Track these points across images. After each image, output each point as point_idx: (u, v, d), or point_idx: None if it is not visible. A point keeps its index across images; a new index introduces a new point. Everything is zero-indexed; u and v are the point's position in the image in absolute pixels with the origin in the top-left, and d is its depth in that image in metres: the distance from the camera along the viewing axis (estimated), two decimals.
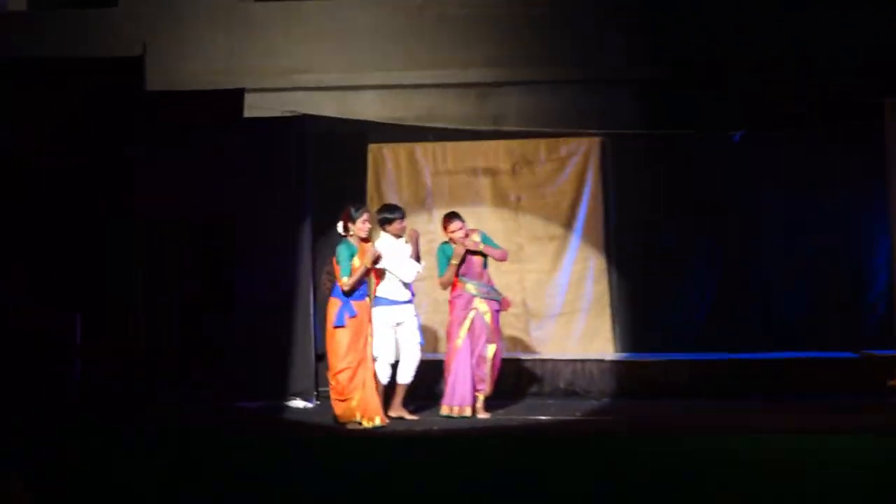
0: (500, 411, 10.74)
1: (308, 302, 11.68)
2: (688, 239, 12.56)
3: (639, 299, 12.54)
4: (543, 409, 10.94)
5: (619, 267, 12.65)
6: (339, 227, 10.03)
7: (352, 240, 10.03)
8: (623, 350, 12.58)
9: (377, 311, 10.23)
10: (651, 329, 12.47)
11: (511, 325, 12.52)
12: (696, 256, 12.55)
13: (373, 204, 12.35)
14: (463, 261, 10.30)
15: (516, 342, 12.66)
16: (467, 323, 10.34)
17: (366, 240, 10.05)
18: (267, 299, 11.49)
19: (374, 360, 10.22)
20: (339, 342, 9.97)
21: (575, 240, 12.71)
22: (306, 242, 11.69)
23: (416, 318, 10.40)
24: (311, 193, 11.72)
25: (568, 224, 12.67)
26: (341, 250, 9.93)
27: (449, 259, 10.39)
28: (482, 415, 10.40)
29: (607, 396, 11.73)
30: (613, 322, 12.66)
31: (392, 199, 12.47)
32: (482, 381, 10.37)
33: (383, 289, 10.28)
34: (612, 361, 12.08)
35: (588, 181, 12.63)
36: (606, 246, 12.69)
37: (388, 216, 10.30)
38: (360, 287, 10.00)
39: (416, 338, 10.41)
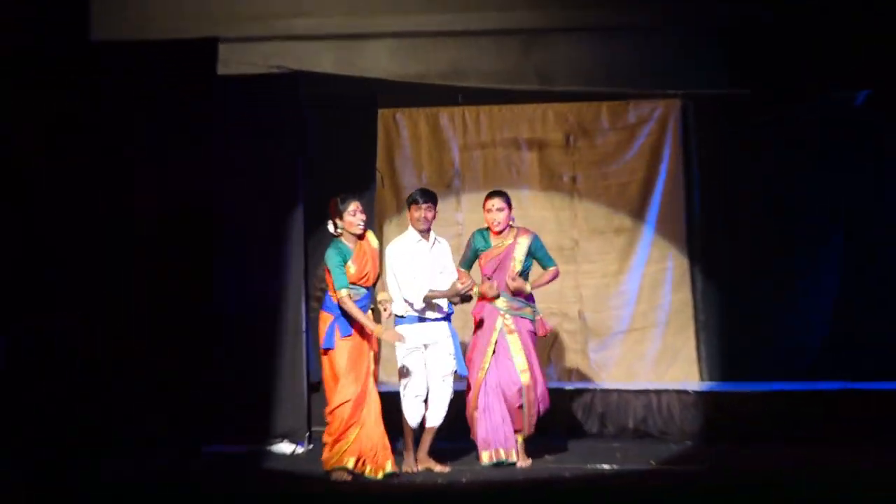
0: (549, 457, 10.12)
1: (298, 315, 11.06)
2: (797, 232, 11.91)
3: (733, 312, 11.90)
4: (606, 456, 10.26)
5: (707, 269, 12.01)
6: (329, 225, 9.55)
7: (344, 239, 9.52)
8: (712, 378, 11.96)
9: (400, 332, 9.68)
10: (749, 351, 11.83)
11: (564, 344, 12.01)
12: (809, 255, 11.93)
13: (385, 187, 11.99)
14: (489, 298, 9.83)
15: (571, 367, 11.97)
16: (491, 348, 9.86)
17: (361, 236, 9.52)
18: (246, 313, 10.97)
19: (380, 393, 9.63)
20: (332, 369, 9.46)
21: (647, 233, 12.08)
22: (296, 240, 11.09)
23: (451, 339, 9.82)
24: (305, 174, 11.11)
25: (638, 212, 12.10)
26: (331, 255, 9.43)
27: (476, 252, 9.97)
28: (522, 462, 9.80)
29: (691, 439, 11.08)
30: (699, 341, 12.03)
31: (409, 178, 12.15)
32: (518, 417, 9.85)
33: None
34: (698, 393, 11.36)
35: (664, 157, 12.03)
36: (689, 241, 12.07)
37: (411, 199, 9.79)
38: (361, 298, 9.41)
39: (450, 366, 9.80)
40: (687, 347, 12.04)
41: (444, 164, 12.23)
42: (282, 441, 10.86)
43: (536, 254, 9.90)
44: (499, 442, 9.77)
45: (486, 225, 9.92)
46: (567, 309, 11.87)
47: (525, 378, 9.74)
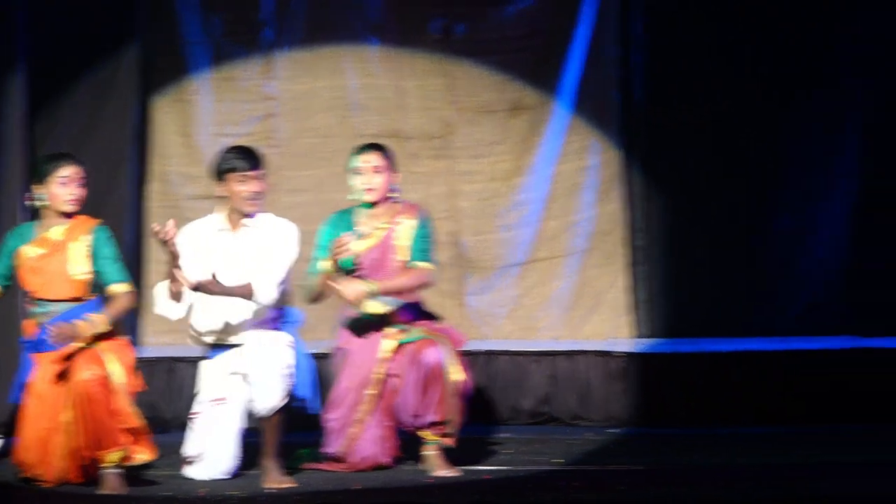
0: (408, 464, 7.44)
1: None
2: (792, 114, 9.38)
3: (689, 235, 9.54)
4: (487, 453, 7.83)
5: (651, 168, 9.55)
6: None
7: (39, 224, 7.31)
8: (653, 334, 9.60)
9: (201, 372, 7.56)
10: (713, 294, 9.60)
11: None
12: (811, 145, 9.39)
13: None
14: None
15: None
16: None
17: (70, 214, 7.20)
18: None
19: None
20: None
21: (561, 113, 9.53)
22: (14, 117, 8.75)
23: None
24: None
25: (546, 80, 9.51)
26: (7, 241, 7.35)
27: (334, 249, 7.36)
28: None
29: (620, 424, 8.89)
30: (635, 278, 9.66)
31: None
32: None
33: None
34: (632, 356, 9.09)
35: None
36: (624, 126, 9.55)
37: (225, 166, 7.36)
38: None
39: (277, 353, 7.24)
40: (615, 288, 9.54)
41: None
42: None
43: (416, 243, 7.69)
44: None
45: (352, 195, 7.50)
46: (439, 231, 8.65)
47: None
